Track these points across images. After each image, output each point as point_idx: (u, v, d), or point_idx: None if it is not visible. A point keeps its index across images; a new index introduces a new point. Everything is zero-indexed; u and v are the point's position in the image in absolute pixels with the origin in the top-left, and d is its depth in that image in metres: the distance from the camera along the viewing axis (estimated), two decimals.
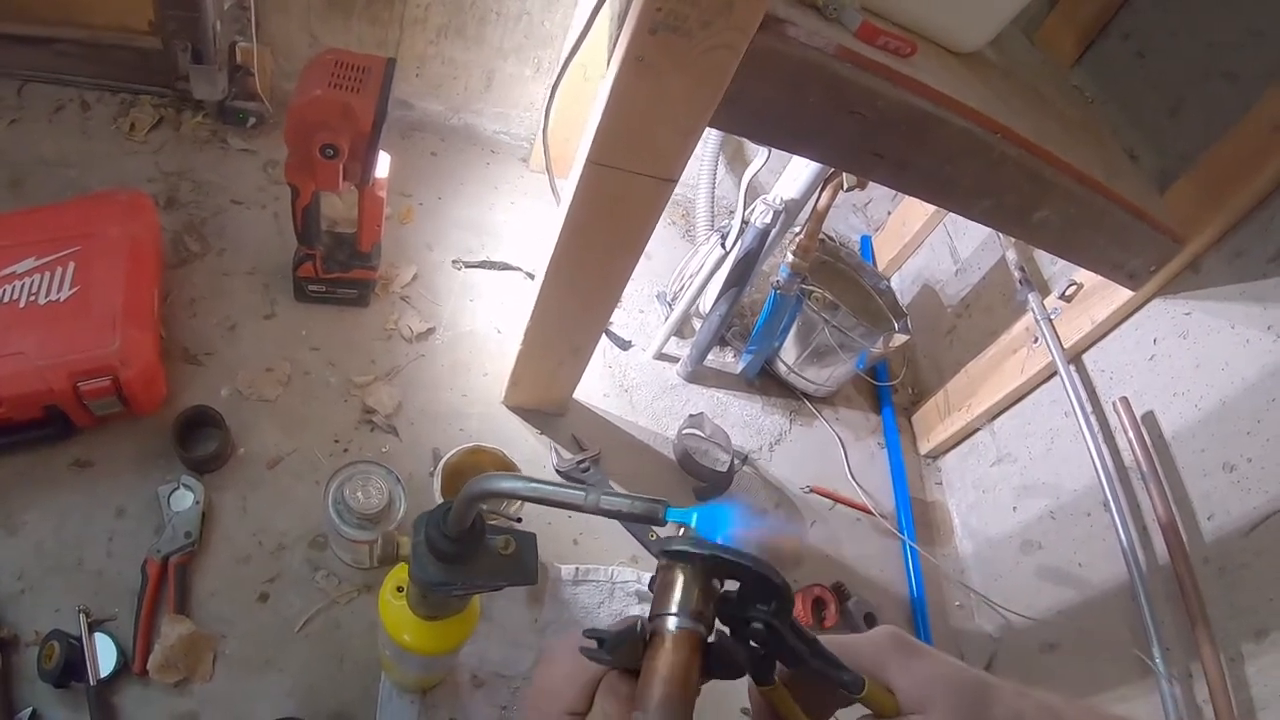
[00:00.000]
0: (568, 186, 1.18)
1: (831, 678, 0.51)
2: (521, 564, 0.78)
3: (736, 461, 1.72)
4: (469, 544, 0.74)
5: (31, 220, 1.29)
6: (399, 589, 0.92)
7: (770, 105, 1.07)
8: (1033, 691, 0.55)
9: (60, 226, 1.28)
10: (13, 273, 1.21)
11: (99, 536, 1.17)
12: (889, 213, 2.40)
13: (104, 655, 1.06)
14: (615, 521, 1.49)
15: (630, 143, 1.06)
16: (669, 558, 0.50)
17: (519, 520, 1.27)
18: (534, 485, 0.60)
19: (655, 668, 0.46)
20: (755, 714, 0.57)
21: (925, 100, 1.09)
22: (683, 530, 0.52)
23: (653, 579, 0.51)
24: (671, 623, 0.47)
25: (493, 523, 0.83)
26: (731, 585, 0.50)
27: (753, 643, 0.50)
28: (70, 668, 1.02)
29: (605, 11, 1.13)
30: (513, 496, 0.61)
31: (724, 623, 0.50)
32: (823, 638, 0.53)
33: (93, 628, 1.07)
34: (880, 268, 2.29)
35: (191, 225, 1.56)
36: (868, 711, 0.54)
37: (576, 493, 0.57)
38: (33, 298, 1.19)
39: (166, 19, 1.59)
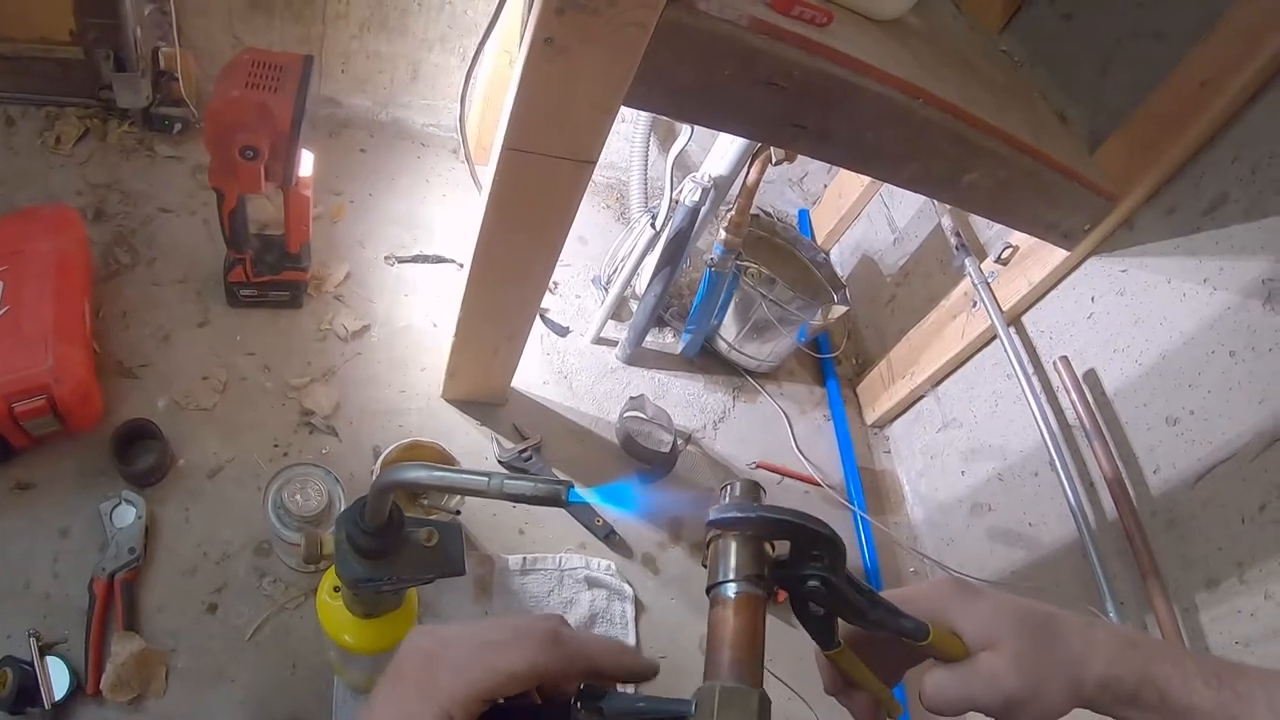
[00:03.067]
0: (488, 174, 1.17)
1: (894, 628, 0.53)
2: (447, 555, 0.77)
3: (679, 442, 1.72)
4: (389, 538, 0.73)
5: None
6: (335, 589, 0.91)
7: (685, 81, 1.06)
8: (1102, 620, 0.57)
9: None
10: None
11: (44, 558, 1.15)
12: (825, 185, 2.41)
13: (57, 679, 1.04)
14: (561, 510, 1.50)
15: (545, 126, 1.05)
16: (718, 527, 0.51)
17: (458, 513, 1.27)
18: (438, 474, 0.60)
19: (722, 634, 0.48)
20: (826, 681, 0.59)
21: (842, 68, 1.09)
22: (727, 499, 0.53)
23: (704, 554, 0.53)
24: (731, 589, 0.49)
25: (432, 517, 0.83)
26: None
27: (812, 604, 0.52)
28: (24, 694, 1.01)
29: None
30: (418, 486, 0.61)
31: (781, 586, 0.52)
32: (882, 594, 0.55)
33: (44, 651, 1.06)
34: (819, 240, 2.30)
35: (121, 236, 1.53)
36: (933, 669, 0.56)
37: (479, 478, 0.57)
38: None
39: (87, 28, 1.56)
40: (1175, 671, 0.53)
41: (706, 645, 0.49)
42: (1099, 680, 0.53)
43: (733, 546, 0.51)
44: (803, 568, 0.51)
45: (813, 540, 0.50)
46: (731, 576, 0.50)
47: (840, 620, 0.54)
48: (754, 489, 0.54)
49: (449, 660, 0.47)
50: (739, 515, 0.50)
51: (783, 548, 0.52)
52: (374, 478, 1.26)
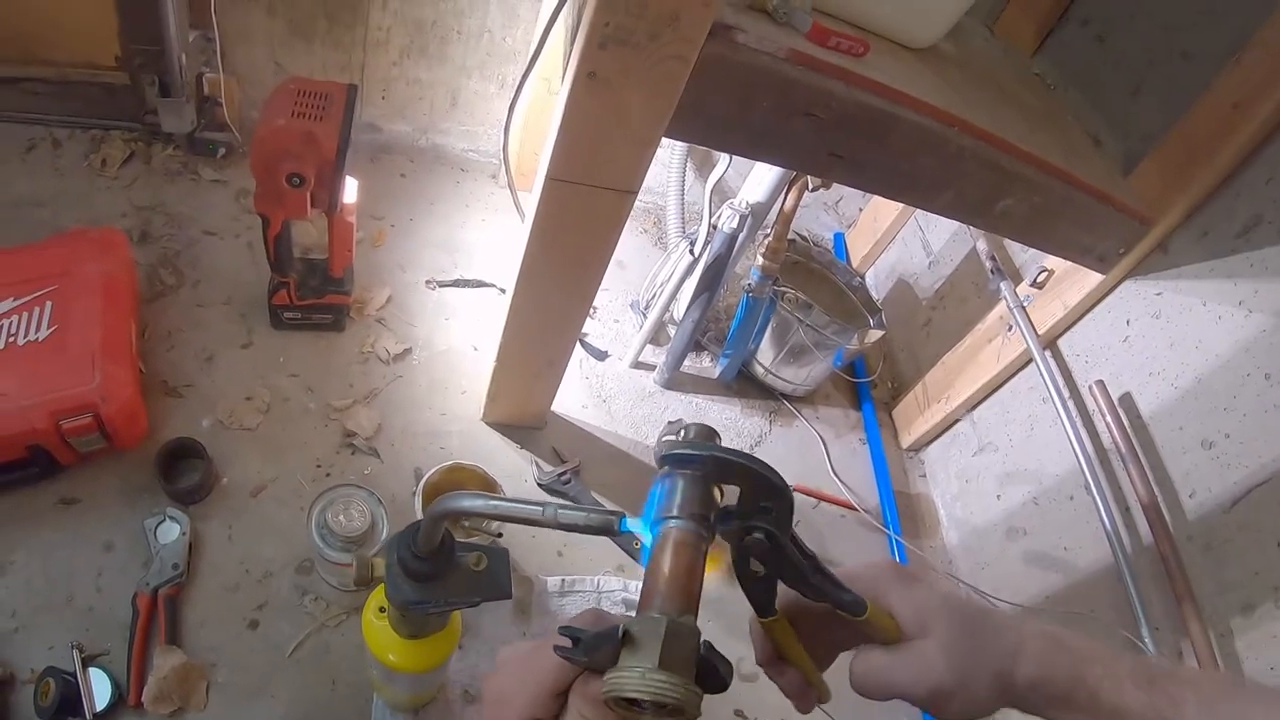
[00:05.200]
0: (531, 203, 1.18)
1: (833, 598, 0.52)
2: (495, 579, 0.78)
3: None
4: (440, 562, 0.74)
5: (7, 261, 1.29)
6: (381, 610, 0.93)
7: (725, 112, 1.08)
8: (1032, 620, 0.56)
9: (36, 267, 1.29)
10: None
11: (88, 572, 1.17)
12: (860, 209, 2.42)
13: (99, 690, 1.06)
14: None
15: (588, 157, 1.07)
16: (669, 463, 0.51)
17: (500, 536, 1.28)
18: (493, 503, 0.61)
19: (659, 567, 0.48)
20: (758, 652, 0.59)
21: (879, 98, 1.10)
22: (683, 435, 0.53)
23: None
24: (673, 525, 0.49)
25: (473, 539, 0.84)
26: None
27: (754, 560, 0.51)
28: (66, 704, 1.03)
29: (561, 28, 1.14)
30: (473, 514, 0.62)
31: (726, 539, 0.51)
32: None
33: (86, 663, 1.08)
34: (854, 264, 2.30)
35: (166, 258, 1.56)
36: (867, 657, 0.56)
37: (534, 508, 0.58)
38: (12, 339, 1.20)
39: (132, 53, 1.60)
40: (1106, 673, 0.53)
41: (645, 579, 0.49)
42: (1029, 680, 0.53)
43: (680, 485, 0.50)
44: (749, 518, 0.50)
45: (763, 486, 0.49)
46: (676, 514, 0.49)
47: (781, 587, 0.53)
48: (709, 433, 0.54)
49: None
50: (690, 453, 0.50)
51: (731, 498, 0.51)
52: (416, 499, 1.29)
